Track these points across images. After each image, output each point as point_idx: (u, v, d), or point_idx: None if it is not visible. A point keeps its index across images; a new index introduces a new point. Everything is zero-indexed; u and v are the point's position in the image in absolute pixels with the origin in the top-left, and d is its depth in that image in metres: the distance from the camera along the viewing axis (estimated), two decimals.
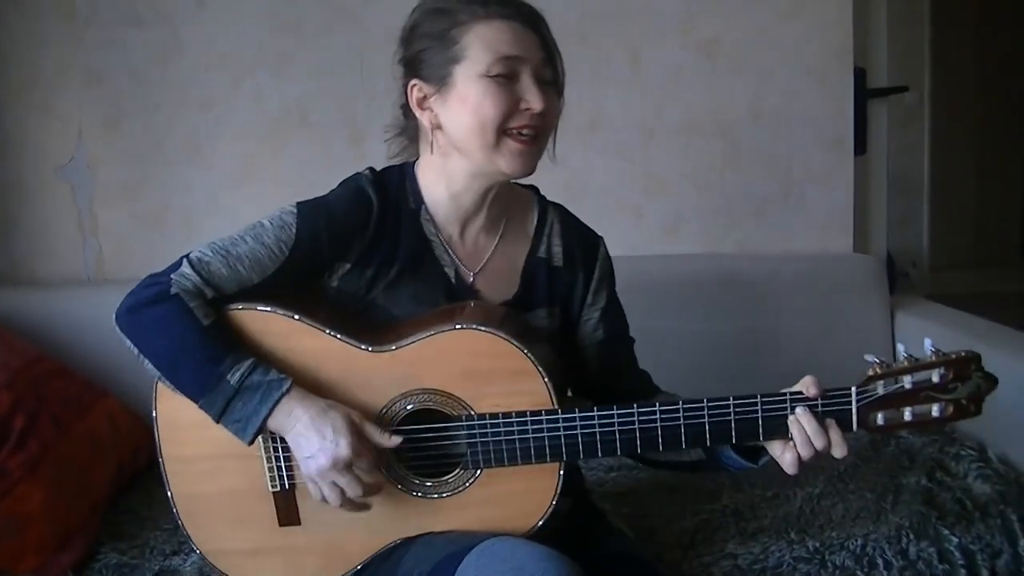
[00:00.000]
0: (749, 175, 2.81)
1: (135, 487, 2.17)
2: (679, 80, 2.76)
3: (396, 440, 1.42)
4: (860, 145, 2.88)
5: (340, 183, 1.59)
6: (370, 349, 1.46)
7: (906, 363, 1.39)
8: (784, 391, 1.42)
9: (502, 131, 1.47)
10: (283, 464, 1.49)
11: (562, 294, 1.65)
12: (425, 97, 1.52)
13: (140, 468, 2.23)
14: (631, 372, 1.71)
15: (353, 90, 2.68)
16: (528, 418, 1.43)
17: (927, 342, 1.40)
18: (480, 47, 1.46)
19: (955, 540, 1.81)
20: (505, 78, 1.46)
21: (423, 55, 1.51)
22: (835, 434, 1.40)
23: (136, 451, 2.23)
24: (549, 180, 1.67)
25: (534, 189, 1.72)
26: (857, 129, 2.84)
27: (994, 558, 1.80)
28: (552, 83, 1.52)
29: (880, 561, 1.78)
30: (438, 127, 1.52)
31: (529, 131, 1.48)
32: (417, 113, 1.55)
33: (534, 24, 1.50)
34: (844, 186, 2.84)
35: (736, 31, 2.76)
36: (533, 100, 1.46)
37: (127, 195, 2.67)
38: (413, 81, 1.53)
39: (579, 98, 2.69)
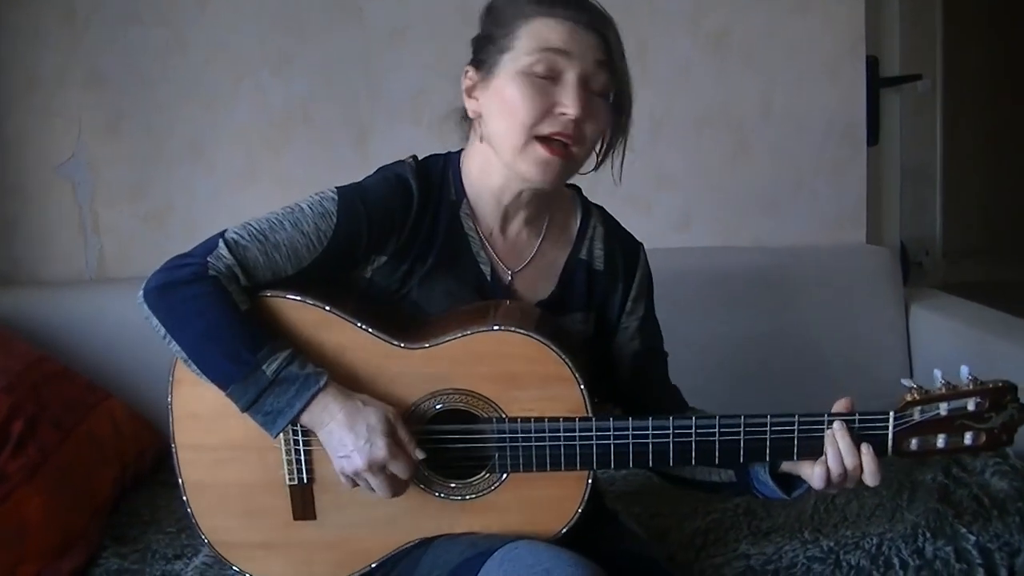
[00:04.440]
0: (760, 168, 2.78)
1: (139, 490, 2.15)
2: (688, 73, 2.73)
3: (421, 455, 1.37)
4: (872, 135, 2.84)
5: (379, 169, 1.53)
6: (403, 345, 1.42)
7: (943, 390, 1.38)
8: (822, 412, 1.39)
9: (533, 135, 1.40)
10: (303, 457, 1.44)
11: (599, 299, 1.60)
12: (474, 85, 1.48)
13: (144, 470, 2.21)
14: (662, 386, 1.66)
15: (357, 89, 2.66)
16: (561, 424, 1.39)
17: (964, 369, 1.38)
18: (528, 38, 1.40)
19: (972, 538, 1.79)
20: (546, 78, 1.39)
21: (483, 39, 1.47)
22: (869, 460, 1.37)
23: (140, 453, 2.21)
24: None
25: (577, 189, 1.66)
26: (869, 119, 2.80)
27: (1013, 556, 1.78)
28: (604, 95, 1.43)
29: (896, 560, 1.76)
30: (479, 117, 1.48)
31: (560, 139, 1.40)
32: (465, 100, 1.50)
33: (597, 28, 1.41)
34: (857, 177, 2.81)
35: (746, 23, 2.73)
36: (568, 103, 1.38)
37: (129, 195, 2.65)
38: (467, 67, 1.49)
39: None
